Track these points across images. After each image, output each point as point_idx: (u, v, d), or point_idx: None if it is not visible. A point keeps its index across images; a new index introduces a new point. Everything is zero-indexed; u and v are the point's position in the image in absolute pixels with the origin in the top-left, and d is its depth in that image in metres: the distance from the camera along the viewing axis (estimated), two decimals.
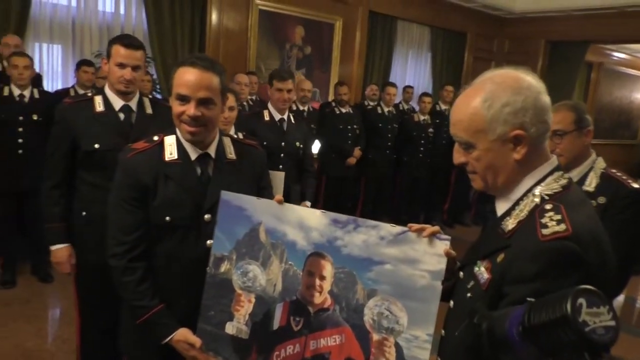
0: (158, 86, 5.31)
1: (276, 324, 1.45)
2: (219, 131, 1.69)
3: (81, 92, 4.38)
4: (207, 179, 1.62)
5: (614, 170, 2.02)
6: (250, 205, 1.49)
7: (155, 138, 1.63)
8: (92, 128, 2.20)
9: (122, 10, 5.34)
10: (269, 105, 3.29)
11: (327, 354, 1.39)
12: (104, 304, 2.33)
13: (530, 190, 1.12)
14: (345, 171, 5.50)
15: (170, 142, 1.61)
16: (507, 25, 8.47)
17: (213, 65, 1.55)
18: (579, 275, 0.97)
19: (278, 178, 3.01)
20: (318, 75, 6.58)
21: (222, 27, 5.75)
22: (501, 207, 1.17)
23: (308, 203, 3.41)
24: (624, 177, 1.98)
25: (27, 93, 3.80)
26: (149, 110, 2.34)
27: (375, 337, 1.34)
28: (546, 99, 1.12)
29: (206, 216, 1.58)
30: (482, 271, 1.11)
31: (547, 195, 1.09)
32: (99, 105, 2.24)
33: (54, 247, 2.28)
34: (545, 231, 1.01)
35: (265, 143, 3.07)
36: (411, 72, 7.87)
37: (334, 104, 5.62)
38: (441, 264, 1.27)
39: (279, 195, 1.48)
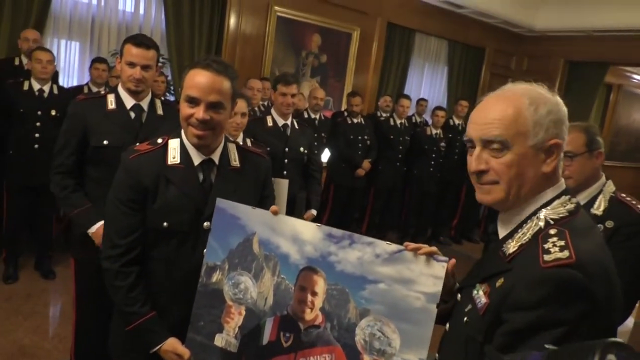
0: (172, 87, 5.32)
1: (266, 338, 1.42)
2: (225, 137, 1.67)
3: (94, 89, 4.42)
4: (209, 186, 1.59)
5: (623, 195, 1.98)
6: (245, 215, 1.46)
7: (159, 140, 1.61)
8: (103, 125, 2.23)
9: (141, 10, 5.39)
10: (272, 111, 3.26)
11: None
12: (101, 303, 2.33)
13: (535, 213, 1.07)
14: (354, 181, 5.45)
15: (174, 145, 1.59)
16: (526, 43, 8.39)
17: (226, 69, 1.53)
18: (583, 306, 0.92)
19: (282, 186, 2.98)
20: (332, 84, 6.56)
21: (240, 32, 5.77)
22: (504, 229, 1.13)
23: (314, 211, 3.38)
24: (634, 202, 1.95)
25: (46, 88, 3.83)
26: (160, 112, 2.37)
27: (366, 358, 1.30)
28: (568, 123, 1.11)
29: (205, 224, 1.54)
30: (480, 295, 1.06)
31: (552, 219, 1.04)
32: (111, 103, 2.27)
33: (92, 229, 2.24)
34: (547, 257, 0.96)
35: (268, 149, 3.06)
36: (427, 85, 7.82)
37: (346, 113, 5.59)
38: (437, 287, 1.22)
39: (275, 206, 1.44)
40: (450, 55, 7.80)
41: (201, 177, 1.59)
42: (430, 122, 6.35)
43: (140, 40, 2.23)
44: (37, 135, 3.76)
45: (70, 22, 5.03)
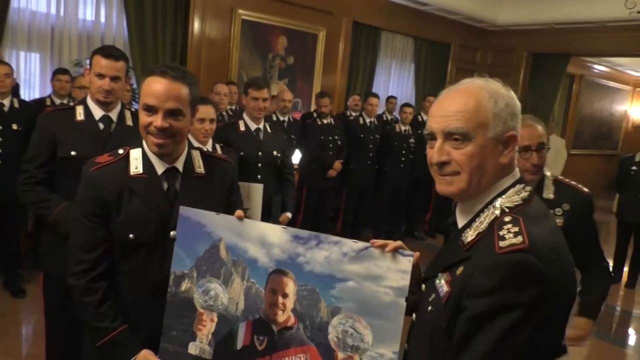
0: (137, 96, 5.25)
1: (240, 343, 1.41)
2: (188, 144, 1.65)
3: (57, 101, 4.33)
4: (174, 194, 1.57)
5: (561, 177, 2.16)
6: (210, 221, 1.45)
7: (121, 151, 1.58)
8: (71, 136, 2.23)
9: (102, 19, 5.28)
10: (244, 115, 3.26)
11: None
12: (72, 319, 2.29)
13: (491, 202, 1.10)
14: (326, 182, 5.47)
15: (135, 155, 1.56)
16: (490, 37, 8.57)
17: (184, 75, 1.51)
18: (537, 289, 0.95)
19: (257, 190, 2.97)
20: (300, 86, 6.57)
21: (205, 37, 5.72)
22: (462, 219, 1.16)
23: (289, 214, 3.38)
24: (574, 184, 2.14)
25: (6, 102, 3.74)
26: (129, 122, 2.36)
27: (341, 355, 1.31)
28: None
29: (172, 233, 1.52)
30: (442, 284, 1.09)
31: (507, 207, 1.08)
32: (79, 114, 2.27)
33: None
34: (502, 243, 0.99)
35: (242, 153, 3.05)
36: (394, 82, 7.90)
37: (315, 114, 5.61)
38: (405, 281, 1.24)
39: (240, 211, 1.43)
40: (417, 52, 7.90)
41: (165, 186, 1.57)
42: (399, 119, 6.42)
43: (109, 52, 2.24)
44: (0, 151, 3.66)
45: (28, 33, 4.90)
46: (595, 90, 11.84)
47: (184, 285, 1.47)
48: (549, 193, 2.08)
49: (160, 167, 1.56)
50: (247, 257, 1.40)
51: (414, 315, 1.24)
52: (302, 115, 5.92)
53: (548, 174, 2.14)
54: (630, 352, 4.12)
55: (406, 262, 1.24)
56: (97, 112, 2.28)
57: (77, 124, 2.25)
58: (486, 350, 0.96)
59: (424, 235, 6.58)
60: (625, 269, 5.65)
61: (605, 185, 11.90)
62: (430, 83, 8.00)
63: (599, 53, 8.71)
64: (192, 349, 1.45)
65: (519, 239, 0.98)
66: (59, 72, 4.44)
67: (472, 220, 1.11)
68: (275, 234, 1.37)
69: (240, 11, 5.86)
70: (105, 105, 2.27)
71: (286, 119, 5.17)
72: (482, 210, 1.11)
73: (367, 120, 5.92)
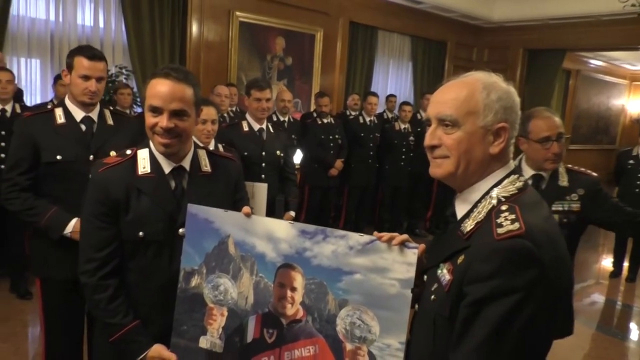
0: (138, 99, 5.29)
1: (250, 336, 1.44)
2: (194, 144, 1.68)
3: None
4: (182, 193, 1.60)
5: (570, 165, 2.29)
6: (218, 218, 1.48)
7: (128, 152, 1.61)
8: (54, 140, 2.18)
9: (101, 24, 5.33)
10: (247, 116, 3.29)
11: None
12: (68, 321, 2.31)
13: (488, 192, 1.15)
14: (328, 181, 5.51)
15: (143, 155, 1.59)
16: (486, 34, 8.61)
17: (187, 76, 1.54)
18: (533, 272, 1.00)
19: (261, 190, 3.01)
20: (299, 86, 6.61)
21: (203, 39, 5.76)
22: (461, 210, 1.20)
23: (292, 213, 3.41)
24: (583, 170, 2.30)
25: (8, 108, 3.79)
26: (110, 121, 2.34)
27: (349, 346, 1.34)
28: (519, 113, 1.19)
29: (180, 230, 1.55)
30: (444, 273, 1.13)
31: (503, 197, 1.13)
32: (59, 117, 2.22)
33: (69, 228, 2.16)
34: (500, 230, 1.04)
35: (245, 153, 3.08)
36: (392, 81, 7.94)
37: (315, 114, 5.64)
38: (410, 273, 1.27)
39: (247, 207, 1.47)
40: (414, 50, 7.94)
41: (173, 184, 1.60)
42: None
43: (93, 53, 2.22)
44: (2, 155, 3.70)
45: (28, 40, 4.95)
46: (592, 85, 11.89)
47: (194, 281, 1.50)
48: (563, 181, 2.21)
49: (167, 167, 1.59)
50: (255, 252, 1.43)
51: (416, 306, 1.27)
52: (302, 115, 5.96)
53: (561, 163, 2.26)
54: (632, 346, 4.16)
55: (411, 255, 1.28)
56: (78, 114, 2.25)
57: (58, 127, 2.20)
58: (486, 334, 1.00)
59: (425, 232, 6.62)
60: (626, 263, 5.70)
61: (604, 180, 11.94)
62: (428, 81, 8.04)
63: (594, 47, 8.78)
64: (203, 342, 1.49)
65: (516, 225, 1.03)
66: (60, 77, 4.47)
67: (471, 211, 1.16)
68: (283, 229, 1.40)
69: (238, 13, 5.89)
70: (87, 106, 2.25)
71: (286, 119, 5.20)
72: (479, 201, 1.15)
73: (367, 119, 5.96)
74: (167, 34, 5.57)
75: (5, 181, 2.21)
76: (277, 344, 1.41)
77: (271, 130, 3.33)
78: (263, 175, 3.17)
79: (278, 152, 3.29)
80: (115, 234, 1.55)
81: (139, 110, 5.18)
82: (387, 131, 6.08)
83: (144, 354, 1.53)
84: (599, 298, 5.19)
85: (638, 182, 5.19)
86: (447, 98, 1.16)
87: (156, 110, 1.51)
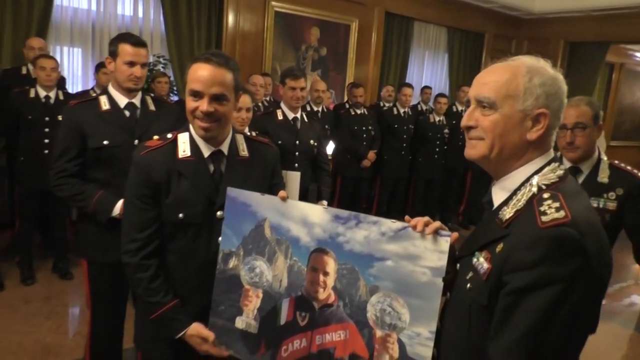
0: (175, 88, 5.39)
1: (283, 319, 1.47)
2: (232, 128, 1.71)
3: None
4: (220, 176, 1.63)
5: (617, 162, 2.21)
6: (255, 202, 1.51)
7: (169, 136, 1.65)
8: (99, 126, 2.25)
9: (140, 14, 5.45)
10: (282, 105, 3.32)
11: (333, 349, 1.40)
12: (113, 301, 2.41)
13: (527, 180, 1.13)
14: (360, 172, 5.50)
15: (183, 139, 1.63)
16: (525, 26, 8.39)
17: (227, 61, 1.56)
18: (577, 262, 0.97)
19: (294, 178, 3.04)
20: (333, 77, 6.61)
21: (239, 29, 5.81)
22: (498, 198, 1.18)
23: (325, 202, 3.43)
24: (629, 168, 2.19)
25: (52, 94, 3.91)
26: (152, 107, 2.41)
27: (379, 333, 1.34)
28: (566, 101, 1.17)
29: (218, 213, 1.59)
30: (481, 262, 1.11)
31: (544, 184, 1.10)
32: (104, 104, 2.29)
33: (117, 209, 2.23)
34: (544, 218, 1.01)
35: (279, 142, 3.11)
36: (428, 73, 7.85)
37: (348, 105, 5.63)
38: (442, 261, 1.25)
39: (283, 192, 1.49)
40: (450, 42, 7.82)
41: (211, 168, 1.63)
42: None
43: (137, 40, 2.29)
44: (46, 141, 3.83)
45: (71, 29, 5.10)
46: (636, 79, 11.44)
47: (232, 263, 1.54)
48: (603, 177, 2.14)
49: (206, 150, 1.63)
50: (290, 236, 1.45)
51: (448, 294, 1.26)
52: (335, 106, 5.95)
53: (605, 157, 2.19)
54: None
55: (444, 242, 1.25)
56: (122, 100, 2.31)
57: (103, 113, 2.26)
58: (529, 325, 0.98)
59: (457, 227, 6.54)
60: None
61: None
62: (464, 73, 7.91)
63: (639, 40, 8.43)
64: (239, 323, 1.52)
65: (562, 213, 1.00)
66: (103, 65, 4.59)
67: (509, 199, 1.13)
68: (317, 214, 1.42)
69: (274, 3, 5.92)
70: (130, 92, 2.31)
71: (320, 109, 5.21)
72: (518, 189, 1.13)
73: (401, 110, 5.91)
74: (203, 24, 5.65)
75: (54, 168, 2.29)
76: (309, 328, 1.43)
77: (305, 119, 3.35)
78: (296, 164, 3.20)
79: (312, 142, 3.30)
80: (157, 216, 1.60)
81: (175, 98, 5.28)
82: (421, 123, 6.02)
83: (184, 332, 1.58)
84: (637, 299, 5.04)
85: None
86: (488, 80, 1.15)
87: (197, 95, 1.53)
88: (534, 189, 1.10)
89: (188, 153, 1.61)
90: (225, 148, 1.66)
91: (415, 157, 6.07)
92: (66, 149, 2.26)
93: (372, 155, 5.49)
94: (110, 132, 2.25)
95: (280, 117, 3.26)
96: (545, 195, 1.07)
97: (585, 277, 0.98)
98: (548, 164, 1.14)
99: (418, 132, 5.99)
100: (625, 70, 11.02)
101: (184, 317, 1.60)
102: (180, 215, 1.58)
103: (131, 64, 2.25)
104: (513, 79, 1.12)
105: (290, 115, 3.27)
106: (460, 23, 7.70)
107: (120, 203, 2.20)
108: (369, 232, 1.35)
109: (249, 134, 2.79)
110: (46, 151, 3.82)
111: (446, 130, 6.05)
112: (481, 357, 1.07)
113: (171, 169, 1.59)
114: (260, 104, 4.88)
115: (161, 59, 5.45)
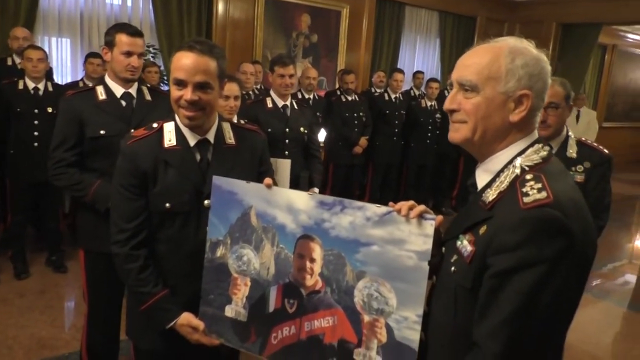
0: (165, 77, 5.35)
1: (272, 306, 1.48)
2: (218, 116, 1.70)
3: (90, 84, 4.45)
4: (207, 165, 1.63)
5: (583, 139, 2.40)
6: (241, 190, 1.51)
7: (155, 125, 1.65)
8: (97, 115, 2.26)
9: (129, 2, 5.40)
10: (271, 92, 3.31)
11: (322, 335, 1.41)
12: (111, 294, 2.41)
13: (511, 161, 1.12)
14: (352, 159, 5.50)
15: (169, 128, 1.63)
16: (517, 9, 8.36)
17: (211, 49, 1.55)
18: (561, 242, 0.97)
19: (284, 166, 3.04)
20: (325, 64, 6.57)
21: (229, 17, 5.77)
22: (482, 180, 1.18)
23: (316, 189, 3.44)
24: (595, 144, 2.40)
25: (41, 86, 3.87)
26: (148, 97, 2.41)
27: (367, 318, 1.35)
28: (550, 81, 1.15)
29: (206, 202, 1.59)
30: (465, 244, 1.11)
31: (527, 166, 1.10)
32: (101, 94, 2.30)
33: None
34: (526, 199, 1.01)
35: (269, 130, 3.10)
36: (420, 58, 7.82)
37: (339, 92, 5.61)
38: (427, 244, 1.25)
39: (268, 179, 1.49)
40: (442, 26, 7.78)
41: (198, 157, 1.63)
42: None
43: (134, 30, 2.29)
44: (36, 133, 3.81)
45: (59, 19, 5.05)
46: (629, 60, 11.46)
47: (219, 252, 1.54)
48: (572, 152, 2.32)
49: (192, 139, 1.63)
50: (276, 223, 1.45)
51: (434, 278, 1.27)
52: (327, 93, 5.93)
53: (572, 134, 2.36)
54: None
55: (428, 226, 1.26)
56: (118, 90, 2.32)
57: (100, 103, 2.28)
58: (514, 307, 0.98)
59: (451, 211, 6.57)
60: None
61: (639, 159, 11.59)
62: (456, 58, 7.59)
63: (632, 21, 8.41)
64: (229, 311, 1.53)
65: (543, 194, 1.00)
66: (91, 55, 4.55)
67: (493, 181, 1.13)
68: (302, 200, 1.41)
69: None
70: (127, 82, 2.32)
71: (311, 96, 5.19)
72: (502, 170, 1.13)
73: (392, 96, 5.90)
74: (193, 13, 5.60)
75: (52, 158, 2.30)
76: (298, 314, 1.44)
77: (295, 107, 3.34)
78: (286, 152, 3.20)
79: (302, 129, 3.30)
80: (144, 205, 1.60)
81: (166, 88, 5.25)
82: (413, 108, 6.01)
83: (174, 322, 1.59)
84: (631, 278, 5.09)
85: None
86: (470, 62, 1.14)
87: (180, 83, 1.53)
88: (517, 171, 1.09)
89: (174, 142, 1.61)
90: (211, 136, 1.65)
91: (407, 143, 6.06)
92: (64, 138, 2.27)
93: (363, 141, 5.48)
94: (107, 121, 2.26)
95: (269, 105, 3.25)
96: (528, 177, 1.06)
97: (569, 258, 0.98)
98: (532, 145, 1.14)
99: (410, 117, 5.98)
100: (618, 51, 11.02)
101: (174, 306, 1.60)
102: (167, 204, 1.58)
103: (128, 54, 2.25)
104: (495, 60, 1.11)
105: (280, 103, 3.26)
106: (452, 7, 7.66)
107: None
108: (354, 217, 1.35)
109: (237, 122, 2.81)
110: (36, 143, 3.80)
111: (438, 115, 6.04)
112: (468, 340, 1.08)
113: (158, 158, 1.59)
114: (251, 92, 4.85)
115: (151, 49, 5.41)
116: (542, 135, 2.18)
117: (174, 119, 1.64)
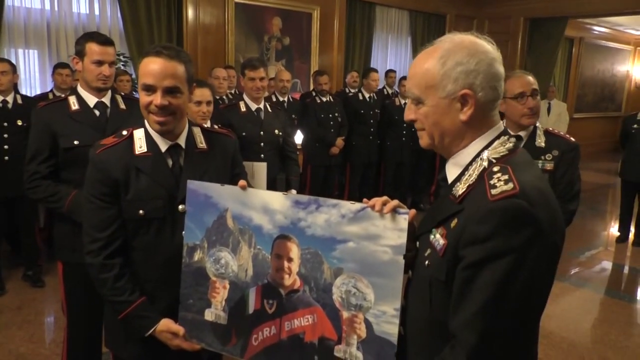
0: (137, 85, 5.29)
1: (251, 307, 1.48)
2: (188, 121, 1.70)
3: (60, 95, 4.38)
4: (179, 170, 1.63)
5: (550, 128, 2.51)
6: (216, 193, 1.51)
7: (124, 132, 1.64)
8: (70, 126, 2.23)
9: (97, 11, 5.33)
10: (244, 96, 3.31)
11: (302, 333, 1.41)
12: (89, 304, 2.36)
13: (478, 154, 1.14)
14: (329, 160, 5.52)
15: (139, 135, 1.62)
16: (485, 6, 8.50)
17: (178, 53, 1.55)
18: (529, 231, 0.99)
19: (260, 169, 3.04)
20: (298, 66, 6.59)
21: (199, 23, 5.74)
22: (452, 174, 1.20)
23: (294, 191, 3.44)
24: (562, 133, 2.51)
25: (10, 99, 3.81)
26: (123, 106, 2.39)
27: (345, 314, 1.35)
28: (500, 68, 1.14)
29: (180, 207, 1.59)
30: (437, 238, 1.13)
31: (494, 158, 1.12)
32: (73, 104, 2.28)
33: None
34: (494, 191, 1.03)
35: (244, 134, 3.10)
36: (392, 57, 7.89)
37: (314, 93, 5.63)
38: (402, 239, 1.27)
39: (243, 181, 1.49)
40: (412, 25, 7.86)
41: (170, 162, 1.63)
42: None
43: (104, 38, 2.27)
44: (5, 147, 3.75)
45: (25, 30, 4.96)
46: (595, 52, 11.74)
47: (197, 256, 1.54)
48: (540, 142, 2.41)
49: (163, 145, 1.62)
50: (252, 225, 1.46)
51: (410, 272, 1.28)
52: (301, 95, 5.95)
53: (539, 124, 2.45)
54: None
55: (402, 220, 1.27)
56: (91, 100, 2.30)
57: (73, 113, 2.26)
58: (486, 297, 1.00)
59: (429, 207, 6.63)
60: (632, 228, 5.70)
61: (610, 147, 11.87)
62: None
63: (597, 13, 8.62)
64: (209, 315, 1.53)
65: (510, 185, 1.02)
66: (59, 66, 4.49)
67: (462, 174, 1.15)
68: (277, 200, 1.42)
69: None
70: (99, 91, 2.29)
71: (285, 99, 5.20)
72: (470, 164, 1.15)
73: (367, 95, 5.94)
74: (163, 19, 5.55)
75: (27, 171, 2.27)
76: (278, 314, 1.44)
77: (269, 109, 3.34)
78: (262, 155, 3.20)
79: (276, 131, 3.30)
80: (117, 214, 1.58)
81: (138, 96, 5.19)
82: (388, 107, 6.06)
83: (153, 329, 1.57)
84: (607, 264, 5.21)
85: None
86: (411, 73, 1.18)
87: (149, 89, 1.52)
88: (485, 163, 1.11)
89: (145, 149, 1.60)
90: (182, 141, 1.65)
91: (383, 142, 6.11)
92: (37, 151, 2.24)
93: (340, 142, 5.51)
94: (80, 132, 2.24)
95: (243, 108, 3.25)
96: (495, 169, 1.08)
97: (538, 246, 1.00)
98: (498, 137, 1.15)
99: (384, 116, 6.03)
100: (585, 44, 11.28)
101: (152, 314, 1.59)
102: (141, 211, 1.57)
103: (99, 62, 2.23)
104: (429, 69, 1.13)
105: (254, 106, 3.26)
106: (422, 6, 7.74)
107: None
108: (330, 215, 1.36)
109: (211, 126, 2.80)
110: (6, 157, 3.73)
111: None
112: (445, 332, 1.09)
113: (129, 165, 1.58)
114: (224, 97, 4.84)
115: (121, 57, 5.35)
116: (530, 124, 2.35)
117: (143, 126, 1.63)
